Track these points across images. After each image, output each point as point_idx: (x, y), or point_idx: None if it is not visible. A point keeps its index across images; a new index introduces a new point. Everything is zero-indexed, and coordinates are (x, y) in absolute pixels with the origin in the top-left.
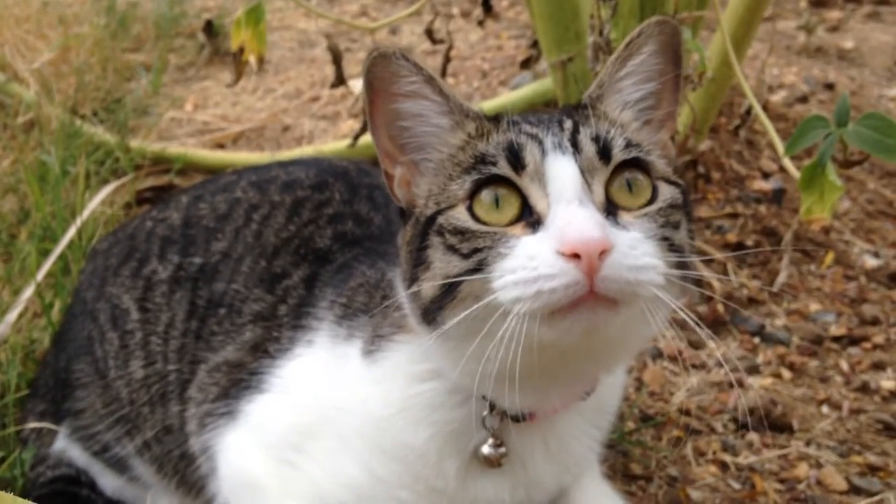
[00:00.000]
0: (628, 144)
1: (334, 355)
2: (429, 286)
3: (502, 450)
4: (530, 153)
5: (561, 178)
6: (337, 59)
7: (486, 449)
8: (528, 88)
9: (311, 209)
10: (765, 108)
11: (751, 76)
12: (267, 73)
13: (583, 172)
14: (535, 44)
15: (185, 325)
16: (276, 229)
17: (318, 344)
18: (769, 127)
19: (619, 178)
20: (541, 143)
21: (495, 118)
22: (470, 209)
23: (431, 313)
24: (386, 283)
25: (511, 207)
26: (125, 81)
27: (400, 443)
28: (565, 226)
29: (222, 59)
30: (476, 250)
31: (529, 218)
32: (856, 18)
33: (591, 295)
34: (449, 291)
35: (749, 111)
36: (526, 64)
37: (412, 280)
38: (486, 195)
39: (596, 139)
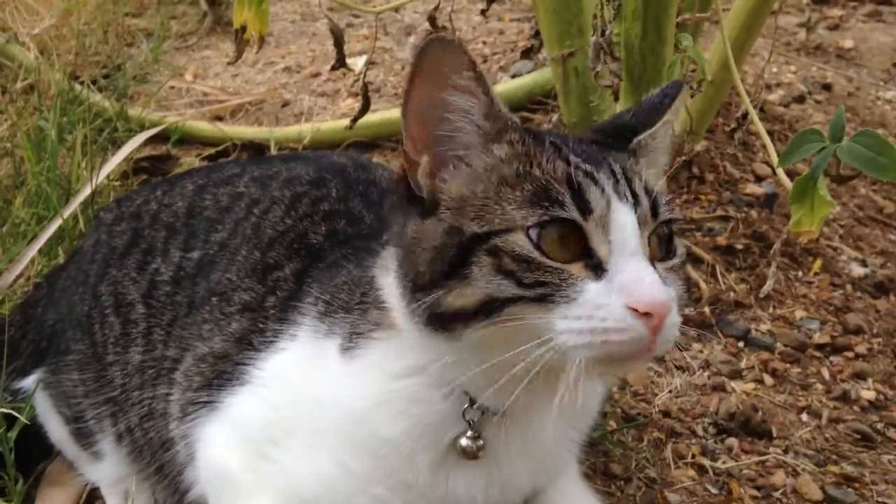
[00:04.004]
0: (667, 201)
1: (314, 351)
2: (461, 298)
3: (480, 442)
4: (595, 199)
5: (624, 229)
6: (338, 41)
7: (464, 441)
8: (528, 78)
9: (307, 205)
10: (761, 108)
11: (750, 74)
12: (268, 46)
13: (639, 224)
14: (536, 34)
15: (185, 321)
16: (273, 222)
17: (299, 339)
18: (765, 136)
19: (655, 232)
20: (602, 188)
21: (534, 134)
22: (533, 240)
23: (447, 321)
24: (367, 281)
25: (574, 247)
26: (126, 47)
27: (374, 436)
28: (636, 282)
29: (224, 28)
30: (541, 283)
31: (590, 260)
32: (857, 17)
33: (648, 350)
34: (488, 310)
35: (745, 115)
36: (527, 53)
37: (431, 283)
38: (552, 231)
39: (648, 193)
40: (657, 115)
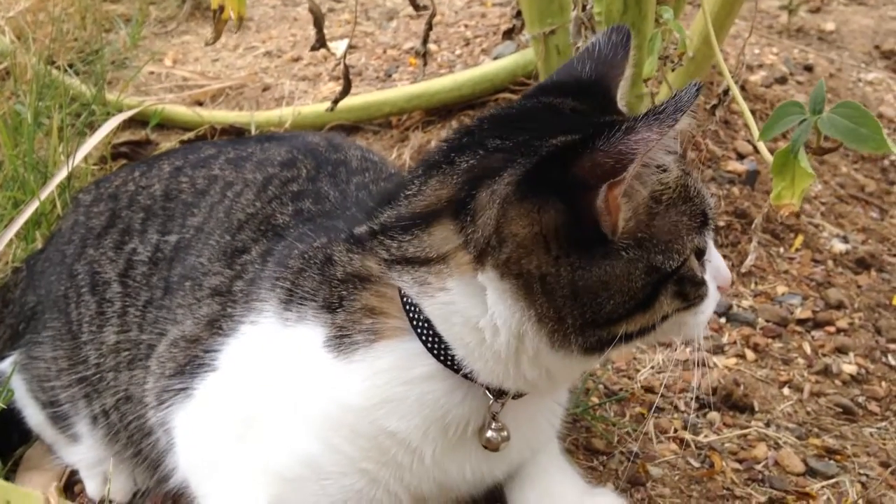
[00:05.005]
0: None
1: (285, 336)
2: (638, 324)
3: (504, 433)
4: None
5: None
6: (318, 21)
7: (490, 433)
8: (509, 59)
9: (277, 186)
10: (743, 88)
11: (731, 55)
12: (249, 31)
13: None
14: (518, 14)
15: (161, 303)
16: (244, 205)
17: (266, 324)
18: (745, 110)
19: None
20: None
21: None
22: (699, 260)
23: (608, 344)
24: (347, 278)
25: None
26: (104, 32)
27: (378, 428)
28: (721, 266)
29: (203, 13)
30: (697, 296)
31: (706, 260)
32: (838, 0)
33: None
34: (652, 327)
35: (727, 91)
36: (509, 34)
37: (617, 318)
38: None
39: None
40: (618, 70)
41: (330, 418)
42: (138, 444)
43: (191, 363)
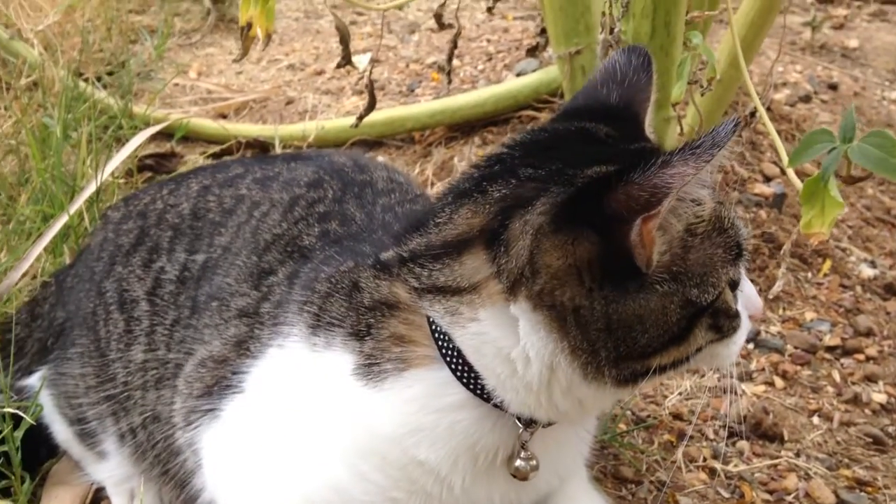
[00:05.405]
0: None
1: (313, 362)
2: (672, 357)
3: (534, 462)
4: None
5: None
6: (344, 38)
7: (519, 463)
8: (533, 76)
9: (303, 206)
10: (768, 108)
11: (756, 73)
12: (272, 44)
13: None
14: (542, 31)
15: (188, 322)
16: (271, 226)
17: (293, 348)
18: (775, 135)
19: None
20: None
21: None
22: (732, 291)
23: (641, 376)
24: (375, 305)
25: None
26: (129, 44)
27: (410, 457)
28: (753, 296)
29: (227, 25)
30: (731, 328)
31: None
32: (861, 17)
33: None
34: (686, 359)
35: (753, 113)
36: (532, 51)
37: (651, 352)
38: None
39: None
40: (644, 95)
41: (359, 446)
42: (165, 464)
43: (218, 384)
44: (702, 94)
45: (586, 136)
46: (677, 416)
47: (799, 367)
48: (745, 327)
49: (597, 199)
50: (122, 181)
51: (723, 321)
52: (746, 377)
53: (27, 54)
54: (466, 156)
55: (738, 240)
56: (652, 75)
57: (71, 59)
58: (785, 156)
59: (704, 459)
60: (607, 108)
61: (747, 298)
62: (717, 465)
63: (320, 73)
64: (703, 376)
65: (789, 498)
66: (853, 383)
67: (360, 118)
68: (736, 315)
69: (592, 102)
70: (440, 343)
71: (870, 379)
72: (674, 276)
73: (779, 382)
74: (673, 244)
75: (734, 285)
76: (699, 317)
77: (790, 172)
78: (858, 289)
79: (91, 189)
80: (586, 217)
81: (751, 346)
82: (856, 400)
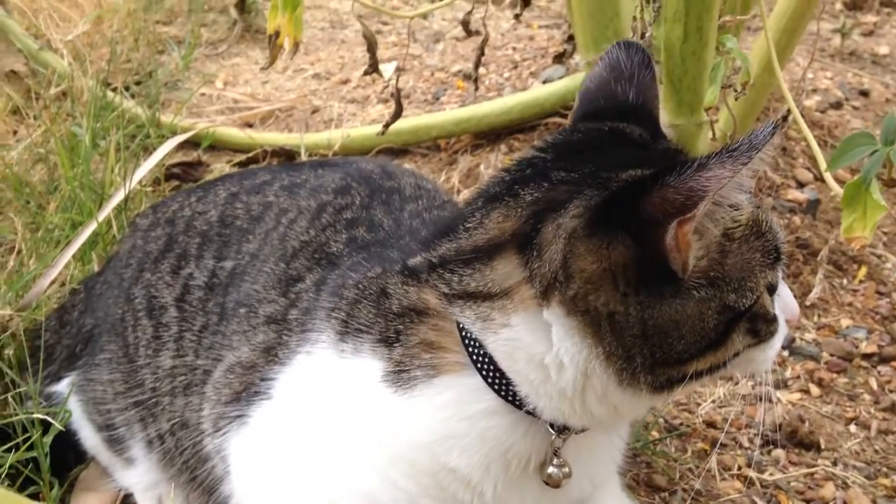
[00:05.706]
0: None
1: (341, 368)
2: (709, 363)
3: (566, 469)
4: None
5: None
6: (371, 47)
7: (552, 470)
8: (560, 84)
9: (331, 213)
10: (801, 114)
11: (785, 80)
12: (298, 53)
13: None
14: (569, 38)
15: (216, 328)
16: (298, 233)
17: (321, 354)
18: (812, 140)
19: None
20: None
21: None
22: (770, 295)
23: (678, 382)
24: (403, 312)
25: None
26: (157, 54)
27: (440, 464)
28: (790, 301)
29: (254, 35)
30: (769, 332)
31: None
32: (891, 23)
33: None
34: (722, 365)
35: (786, 117)
36: (559, 58)
37: (688, 358)
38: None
39: None
40: (653, 91)
41: (389, 453)
42: (193, 470)
43: (247, 390)
44: (735, 99)
45: (620, 138)
46: (711, 424)
47: (835, 375)
48: (782, 332)
49: (632, 203)
50: (149, 189)
51: (760, 325)
52: (782, 385)
53: (56, 64)
54: (492, 163)
55: (776, 243)
56: (654, 71)
57: (99, 69)
58: (822, 160)
59: (739, 468)
60: (627, 107)
61: (784, 303)
62: (752, 474)
63: (345, 81)
64: (736, 384)
65: None
66: (891, 391)
67: (387, 126)
68: (774, 319)
69: (613, 102)
70: (471, 349)
71: None
72: (711, 282)
73: (814, 390)
74: (710, 249)
75: (772, 289)
76: (737, 322)
77: (829, 178)
78: (895, 296)
79: (119, 197)
80: (621, 221)
81: (786, 353)
82: (893, 408)
